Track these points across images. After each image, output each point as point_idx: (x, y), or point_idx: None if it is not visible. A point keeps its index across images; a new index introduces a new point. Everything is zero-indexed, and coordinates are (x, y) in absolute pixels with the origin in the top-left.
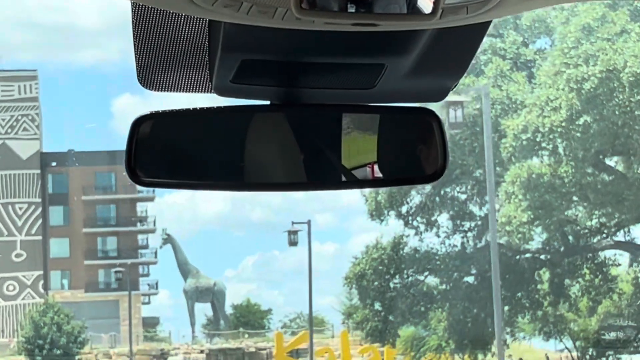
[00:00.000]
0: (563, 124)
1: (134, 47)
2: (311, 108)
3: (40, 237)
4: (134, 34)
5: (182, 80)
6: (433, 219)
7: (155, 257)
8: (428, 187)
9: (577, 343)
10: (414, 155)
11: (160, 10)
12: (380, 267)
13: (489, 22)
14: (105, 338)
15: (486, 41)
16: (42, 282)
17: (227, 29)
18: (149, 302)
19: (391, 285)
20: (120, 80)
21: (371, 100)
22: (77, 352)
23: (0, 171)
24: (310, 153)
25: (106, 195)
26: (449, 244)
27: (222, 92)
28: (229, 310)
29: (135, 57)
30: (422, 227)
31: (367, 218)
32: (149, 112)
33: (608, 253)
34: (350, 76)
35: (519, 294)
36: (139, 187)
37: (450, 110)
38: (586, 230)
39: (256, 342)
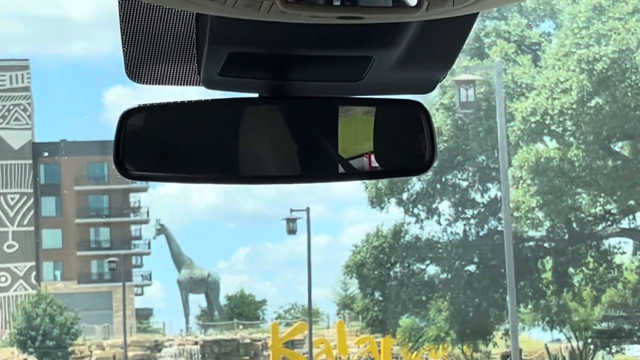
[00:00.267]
0: (574, 106)
1: (122, 40)
2: (299, 100)
3: (32, 228)
4: (121, 27)
5: (170, 73)
6: (434, 206)
7: (149, 248)
8: (429, 174)
9: (580, 333)
10: (402, 148)
11: (147, 3)
12: (381, 256)
13: (476, 14)
14: (99, 329)
15: (490, 24)
16: (34, 273)
17: (214, 22)
18: (142, 294)
19: (392, 274)
20: (112, 72)
21: (359, 93)
22: (70, 344)
23: None
24: (299, 145)
25: (99, 185)
26: (451, 232)
27: (209, 85)
28: (223, 301)
29: (123, 50)
30: (422, 215)
31: (359, 209)
32: (137, 105)
33: (612, 241)
34: (338, 69)
35: (522, 283)
36: None
37: (461, 89)
38: (590, 218)
39: (251, 334)
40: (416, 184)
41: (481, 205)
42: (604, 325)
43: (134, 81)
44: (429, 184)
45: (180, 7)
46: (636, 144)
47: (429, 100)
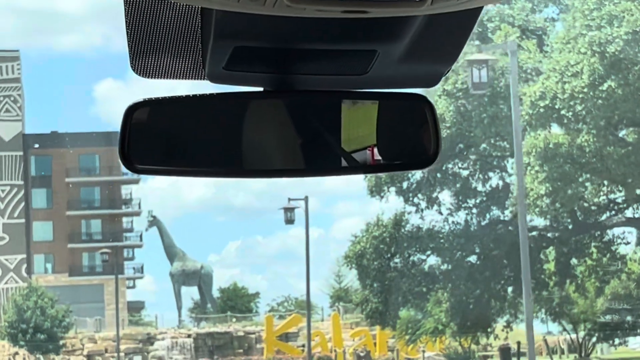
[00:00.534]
0: (584, 90)
1: (127, 34)
2: (304, 94)
3: (23, 220)
4: (126, 21)
5: (174, 67)
6: (434, 195)
7: (140, 240)
8: None
9: (583, 325)
10: (406, 141)
11: None
12: (382, 246)
13: (480, 8)
14: (90, 322)
15: (494, 8)
16: (25, 265)
17: (219, 16)
18: (133, 287)
19: (392, 264)
20: (103, 65)
21: (364, 86)
22: (61, 337)
23: None
24: (304, 139)
25: (90, 177)
26: (452, 222)
27: (214, 79)
28: (215, 294)
29: (128, 44)
30: (422, 204)
31: (350, 203)
32: (142, 99)
33: (617, 231)
34: (343, 62)
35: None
36: (123, 169)
37: (474, 69)
38: (594, 207)
39: (244, 326)
40: (416, 172)
41: (483, 194)
42: (608, 317)
43: (139, 75)
44: (430, 173)
45: (186, 2)
46: None
47: (432, 87)
